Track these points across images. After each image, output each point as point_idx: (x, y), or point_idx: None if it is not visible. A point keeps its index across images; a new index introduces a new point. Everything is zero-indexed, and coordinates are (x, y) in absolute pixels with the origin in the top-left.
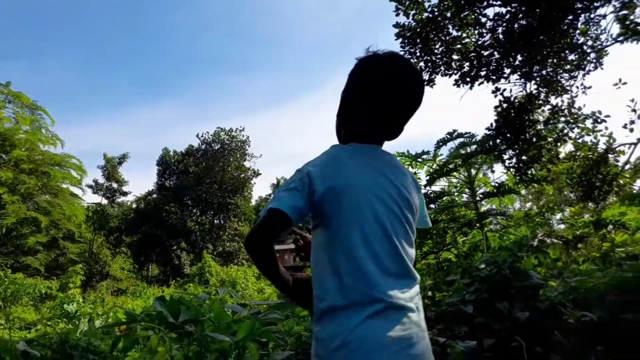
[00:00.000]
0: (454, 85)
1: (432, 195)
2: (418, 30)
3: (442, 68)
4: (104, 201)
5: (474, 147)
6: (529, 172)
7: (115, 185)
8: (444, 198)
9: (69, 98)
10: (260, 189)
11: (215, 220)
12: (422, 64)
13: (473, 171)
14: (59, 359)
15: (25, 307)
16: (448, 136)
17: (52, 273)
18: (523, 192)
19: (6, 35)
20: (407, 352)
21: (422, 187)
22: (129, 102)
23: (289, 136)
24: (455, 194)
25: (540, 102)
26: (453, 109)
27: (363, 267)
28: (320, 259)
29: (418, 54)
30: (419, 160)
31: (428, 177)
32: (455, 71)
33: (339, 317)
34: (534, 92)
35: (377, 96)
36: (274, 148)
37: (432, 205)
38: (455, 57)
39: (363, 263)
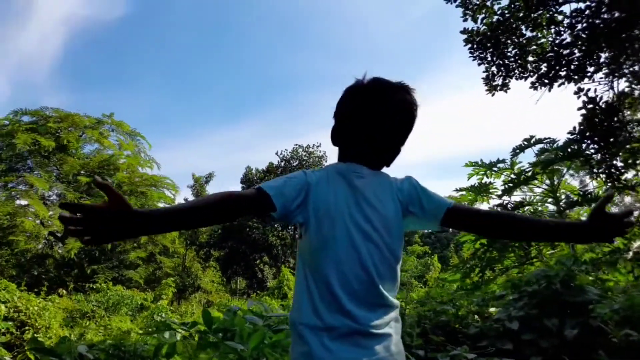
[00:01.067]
0: (530, 88)
1: (510, 206)
2: (488, 34)
3: (516, 71)
4: None
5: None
6: (622, 177)
7: None
8: (525, 208)
9: (160, 124)
10: None
11: (295, 235)
12: (494, 68)
13: (556, 179)
14: None
15: (122, 317)
16: (525, 143)
17: (150, 285)
18: (629, 199)
19: (104, 65)
20: None
21: (497, 197)
22: (213, 124)
23: None
24: (538, 203)
25: (633, 100)
26: (529, 115)
27: (333, 292)
28: (299, 274)
29: (489, 59)
30: (494, 169)
31: (504, 187)
32: (532, 73)
33: (309, 337)
34: (626, 90)
35: (362, 116)
36: None
37: None
38: (530, 58)
39: (333, 289)
